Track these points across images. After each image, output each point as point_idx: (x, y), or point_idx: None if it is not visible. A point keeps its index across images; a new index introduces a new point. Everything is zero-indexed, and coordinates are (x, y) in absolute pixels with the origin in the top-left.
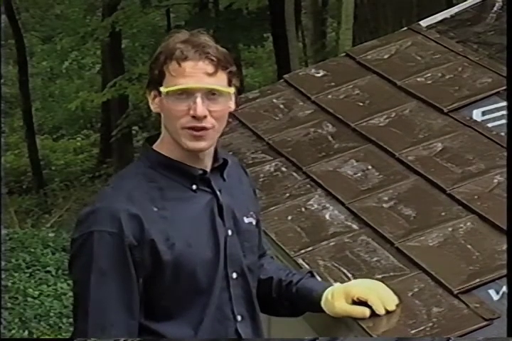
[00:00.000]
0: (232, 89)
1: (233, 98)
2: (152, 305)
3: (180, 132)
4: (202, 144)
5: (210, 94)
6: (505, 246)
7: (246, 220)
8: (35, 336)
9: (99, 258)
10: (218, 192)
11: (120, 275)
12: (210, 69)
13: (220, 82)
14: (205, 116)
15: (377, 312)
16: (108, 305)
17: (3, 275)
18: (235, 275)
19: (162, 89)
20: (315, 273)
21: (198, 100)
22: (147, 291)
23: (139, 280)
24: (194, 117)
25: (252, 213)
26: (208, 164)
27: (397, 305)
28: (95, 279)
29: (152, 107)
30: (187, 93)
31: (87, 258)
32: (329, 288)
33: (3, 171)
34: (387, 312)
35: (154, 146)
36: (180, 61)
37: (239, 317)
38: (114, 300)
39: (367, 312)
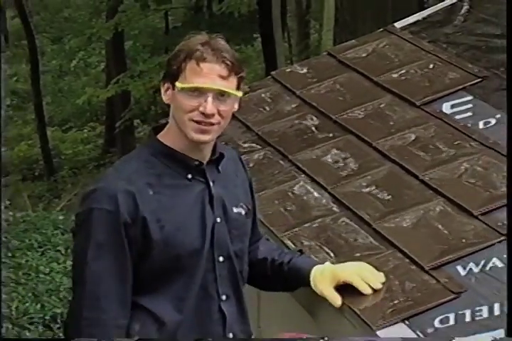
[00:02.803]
0: (240, 93)
1: (238, 99)
2: (140, 281)
3: (187, 123)
4: (206, 137)
5: (221, 95)
6: (471, 227)
7: (235, 210)
8: (46, 309)
9: (97, 233)
10: (211, 183)
11: (115, 249)
12: (225, 72)
13: (231, 85)
14: (213, 114)
15: (364, 292)
16: (102, 276)
17: (17, 254)
18: (221, 258)
19: (178, 84)
20: (304, 252)
21: (209, 99)
22: (136, 267)
23: (132, 256)
24: (203, 114)
25: (242, 204)
26: (206, 156)
27: (382, 283)
28: (92, 252)
29: (164, 98)
30: (200, 91)
31: (87, 233)
32: (318, 267)
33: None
34: (375, 290)
35: (159, 135)
36: (200, 61)
37: (223, 297)
38: (108, 272)
39: (338, 302)
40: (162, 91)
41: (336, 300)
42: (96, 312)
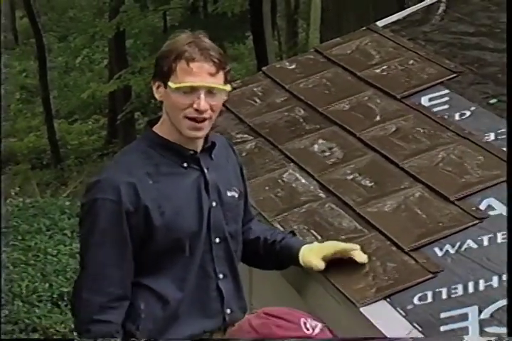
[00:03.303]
0: (228, 87)
1: (227, 93)
2: (144, 263)
3: (182, 121)
4: (200, 133)
5: (211, 91)
6: (448, 211)
7: (229, 194)
8: (54, 287)
9: (101, 221)
10: (206, 170)
11: (116, 236)
12: (213, 70)
13: (219, 80)
14: (206, 110)
15: (358, 259)
16: (103, 261)
17: (27, 237)
18: (217, 240)
19: (171, 84)
20: (296, 232)
21: (202, 96)
22: (140, 251)
23: (133, 242)
24: (196, 110)
25: (234, 188)
26: (199, 145)
27: (366, 264)
28: (96, 239)
29: (157, 95)
30: (192, 89)
31: (91, 221)
32: (307, 245)
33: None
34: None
35: (154, 128)
36: (189, 62)
37: (220, 275)
38: (109, 257)
39: (321, 267)
40: (154, 89)
41: (320, 265)
42: (95, 294)
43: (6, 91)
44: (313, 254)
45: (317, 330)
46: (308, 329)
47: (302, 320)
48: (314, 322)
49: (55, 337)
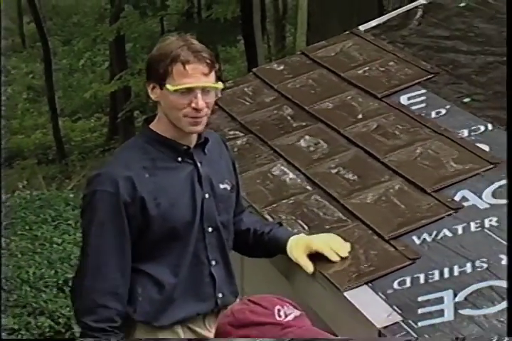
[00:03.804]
0: (221, 84)
1: (220, 90)
2: (141, 251)
3: (182, 119)
4: (199, 128)
5: (206, 90)
6: (425, 202)
7: (221, 186)
8: (59, 274)
9: (100, 212)
10: (199, 164)
11: (115, 226)
12: (206, 70)
13: (212, 79)
14: (203, 108)
15: (332, 259)
16: (103, 250)
17: (34, 227)
18: (210, 229)
19: (169, 87)
20: (284, 223)
21: (199, 96)
22: (138, 240)
23: (131, 231)
24: (194, 108)
25: (227, 181)
26: (193, 141)
27: (349, 252)
28: (95, 228)
29: (152, 96)
30: (189, 90)
31: (91, 212)
32: (294, 237)
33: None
34: (342, 258)
35: (151, 125)
36: (185, 64)
37: (213, 262)
38: (108, 246)
39: (311, 269)
40: (149, 90)
41: (309, 267)
42: (95, 281)
43: (14, 92)
44: (299, 250)
45: (289, 318)
46: (280, 316)
47: (277, 307)
48: (290, 310)
49: (61, 322)
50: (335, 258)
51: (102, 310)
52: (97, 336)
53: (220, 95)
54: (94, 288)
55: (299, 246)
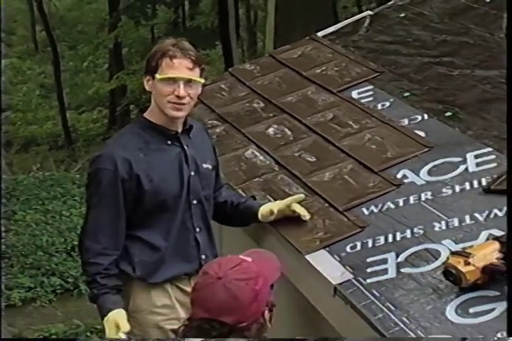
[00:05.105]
0: (203, 80)
1: (201, 85)
2: (137, 220)
3: (166, 105)
4: (180, 113)
5: (189, 82)
6: (373, 180)
7: (204, 165)
8: (68, 241)
9: (101, 186)
10: (186, 147)
11: (112, 198)
12: (190, 65)
13: (195, 74)
14: (184, 96)
15: (305, 214)
16: (101, 217)
17: (46, 202)
18: (195, 201)
19: (157, 76)
20: (256, 197)
21: (181, 86)
22: (133, 211)
23: (127, 203)
24: (177, 96)
25: (208, 161)
26: (179, 127)
27: (309, 221)
28: (96, 200)
29: (147, 87)
30: (174, 80)
31: (94, 186)
32: (265, 205)
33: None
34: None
35: (145, 114)
36: (172, 58)
37: (197, 229)
38: (106, 215)
39: (276, 206)
40: (144, 82)
41: (276, 207)
42: (93, 242)
43: (29, 89)
44: (268, 207)
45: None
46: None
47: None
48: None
49: (70, 281)
50: (306, 214)
51: (93, 266)
52: (91, 281)
53: (200, 90)
54: (90, 248)
55: (267, 206)
